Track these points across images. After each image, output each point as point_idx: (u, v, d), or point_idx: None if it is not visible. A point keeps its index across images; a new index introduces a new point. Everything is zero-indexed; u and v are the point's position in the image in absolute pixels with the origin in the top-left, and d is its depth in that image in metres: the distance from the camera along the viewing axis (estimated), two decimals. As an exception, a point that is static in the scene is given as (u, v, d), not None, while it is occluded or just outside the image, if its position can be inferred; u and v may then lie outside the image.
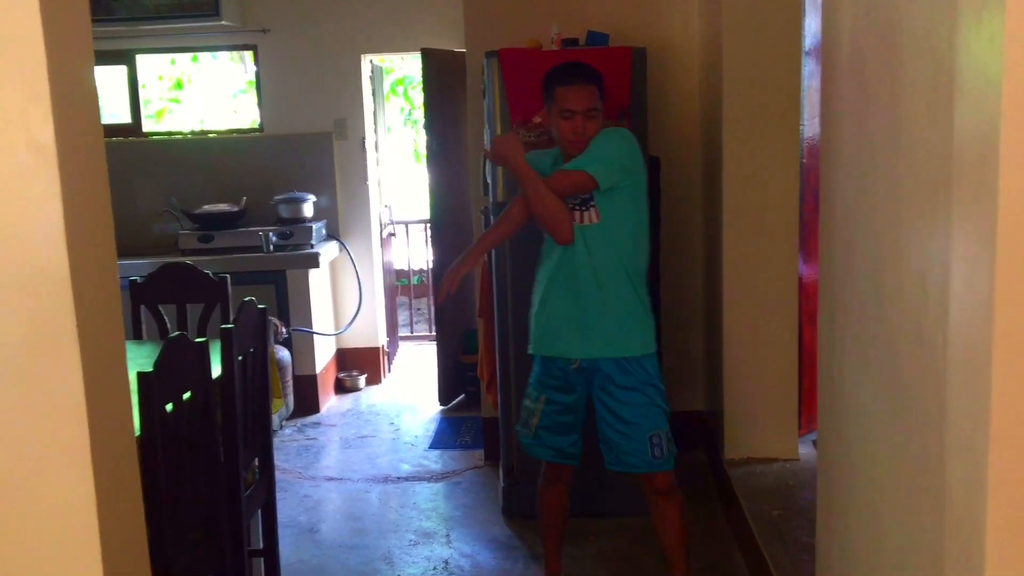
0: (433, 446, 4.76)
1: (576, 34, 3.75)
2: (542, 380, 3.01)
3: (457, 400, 5.38)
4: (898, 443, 1.60)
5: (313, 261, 5.17)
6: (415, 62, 5.39)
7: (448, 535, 3.74)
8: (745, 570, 3.30)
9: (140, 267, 4.56)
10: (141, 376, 2.25)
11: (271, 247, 5.18)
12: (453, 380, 5.34)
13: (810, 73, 3.69)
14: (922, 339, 1.44)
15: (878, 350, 1.70)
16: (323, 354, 5.48)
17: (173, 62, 7.61)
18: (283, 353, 5.02)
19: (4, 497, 1.46)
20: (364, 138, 5.65)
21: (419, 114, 9.38)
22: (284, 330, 5.05)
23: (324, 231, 5.53)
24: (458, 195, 5.05)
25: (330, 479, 4.37)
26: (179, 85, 7.89)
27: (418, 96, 9.02)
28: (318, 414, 5.30)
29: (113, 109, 5.81)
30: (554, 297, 2.94)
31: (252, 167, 5.61)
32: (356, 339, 5.82)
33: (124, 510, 1.61)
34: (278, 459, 4.20)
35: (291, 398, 5.16)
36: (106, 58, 5.53)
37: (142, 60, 5.77)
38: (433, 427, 5.05)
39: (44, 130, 1.37)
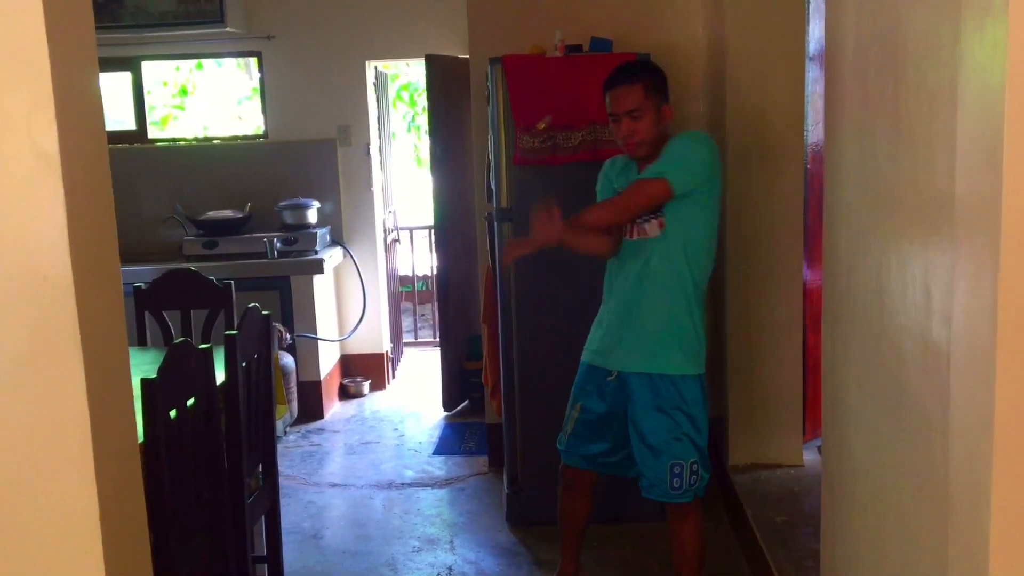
0: (437, 452, 4.76)
1: (580, 40, 3.75)
2: (581, 387, 2.96)
3: (461, 406, 5.37)
4: (902, 449, 1.59)
5: (317, 267, 5.17)
6: (419, 68, 5.39)
7: (452, 541, 3.74)
8: (750, 577, 3.30)
9: (144, 273, 4.56)
10: (145, 382, 2.25)
11: (275, 253, 5.19)
12: (457, 386, 5.34)
13: (814, 78, 3.69)
14: (926, 346, 1.44)
15: (882, 356, 1.70)
16: (327, 360, 5.48)
17: (178, 69, 7.63)
18: (287, 359, 5.02)
19: (7, 503, 1.47)
20: (368, 144, 5.66)
21: (422, 119, 9.40)
22: (288, 336, 5.05)
23: (328, 237, 5.53)
24: (462, 201, 5.06)
25: (334, 485, 4.37)
26: (184, 92, 7.91)
27: (421, 101, 9.03)
28: (322, 420, 5.30)
29: (118, 116, 5.83)
30: (607, 305, 2.92)
31: (256, 173, 5.62)
32: (360, 345, 5.83)
33: (127, 516, 1.61)
34: (282, 465, 4.20)
35: (295, 404, 5.17)
36: (111, 65, 5.55)
37: (147, 67, 5.78)
38: (437, 433, 5.05)
39: (48, 138, 1.37)
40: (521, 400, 3.71)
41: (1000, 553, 1.18)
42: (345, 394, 5.74)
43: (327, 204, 5.59)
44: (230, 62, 6.98)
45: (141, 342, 3.69)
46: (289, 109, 5.63)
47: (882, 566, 1.74)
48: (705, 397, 2.83)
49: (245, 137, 5.89)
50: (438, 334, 5.89)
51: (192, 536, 2.53)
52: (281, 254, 5.21)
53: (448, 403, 5.34)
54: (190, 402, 2.50)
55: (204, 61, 7.03)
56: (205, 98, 7.75)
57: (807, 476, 3.67)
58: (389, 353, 5.99)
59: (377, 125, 5.82)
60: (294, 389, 5.13)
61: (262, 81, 5.66)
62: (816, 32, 3.66)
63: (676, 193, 2.67)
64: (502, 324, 3.74)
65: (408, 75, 9.31)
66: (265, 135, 5.72)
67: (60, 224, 1.39)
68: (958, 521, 1.30)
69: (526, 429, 3.71)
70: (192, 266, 4.32)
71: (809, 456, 3.82)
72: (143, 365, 2.89)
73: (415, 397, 5.73)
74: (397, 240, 6.41)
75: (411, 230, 7.29)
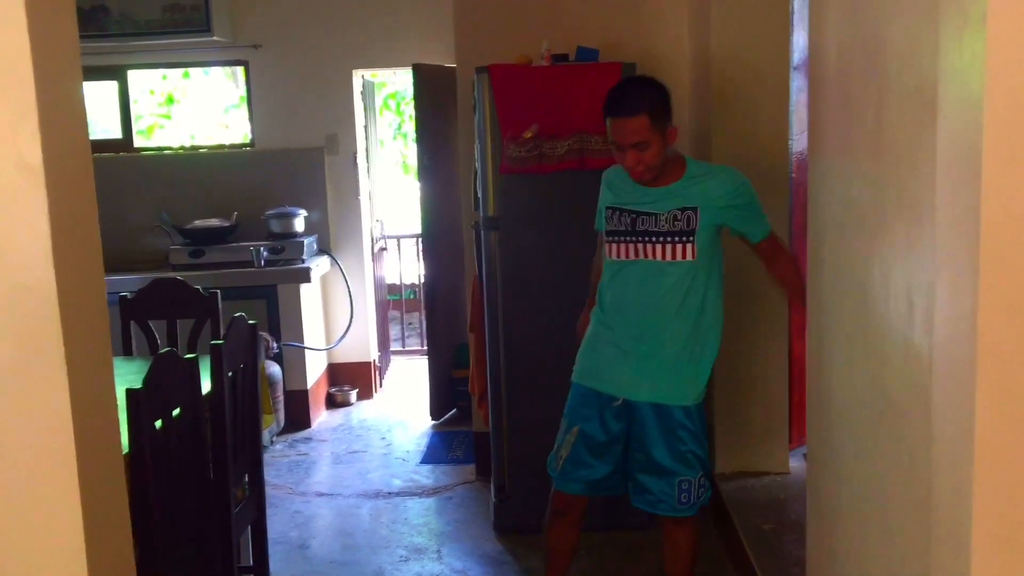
0: (424, 461, 4.75)
1: (566, 50, 3.77)
2: (578, 410, 2.83)
3: (449, 415, 5.37)
4: (885, 455, 1.60)
5: (304, 276, 5.17)
6: (406, 76, 5.40)
7: (439, 551, 3.73)
8: (737, 584, 3.30)
9: (130, 282, 4.55)
10: (130, 392, 2.24)
11: (262, 262, 5.18)
12: (445, 395, 5.33)
13: (799, 88, 3.71)
14: (908, 352, 1.45)
15: (865, 363, 1.71)
16: (314, 369, 5.47)
17: (164, 77, 7.59)
18: (274, 368, 5.00)
19: (-9, 515, 1.46)
20: (355, 153, 5.66)
21: (408, 127, 9.39)
22: (275, 345, 5.04)
23: (315, 246, 5.53)
24: (449, 210, 5.06)
25: (321, 495, 4.36)
26: (171, 100, 7.88)
27: (408, 110, 9.02)
28: (309, 429, 5.29)
29: (104, 124, 5.81)
30: (608, 327, 2.79)
31: (243, 182, 5.61)
32: (347, 354, 5.81)
33: (112, 527, 1.60)
34: (269, 475, 4.19)
35: (282, 413, 5.15)
36: (97, 73, 5.53)
37: (133, 76, 5.77)
38: (424, 442, 5.04)
39: (32, 149, 1.37)
40: (508, 409, 3.71)
41: (982, 558, 1.19)
42: (332, 403, 5.73)
43: (314, 213, 5.59)
44: (217, 70, 6.97)
45: (127, 352, 3.68)
46: (276, 118, 5.63)
47: (867, 571, 1.75)
48: (704, 418, 2.82)
49: (232, 146, 5.88)
50: (425, 343, 5.88)
51: (178, 546, 2.52)
52: (268, 263, 5.20)
53: (435, 412, 5.34)
54: (176, 412, 2.49)
55: (191, 70, 7.02)
56: (192, 107, 7.73)
57: (793, 483, 3.68)
58: (376, 362, 5.98)
59: (364, 134, 5.82)
60: (281, 398, 5.12)
61: (249, 90, 5.66)
62: (800, 42, 3.69)
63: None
64: (489, 332, 3.74)
65: (395, 83, 9.31)
66: (252, 144, 5.71)
67: (44, 234, 1.39)
68: (940, 527, 1.31)
69: (513, 438, 3.71)
70: (178, 275, 4.31)
71: (795, 464, 3.83)
72: (129, 375, 2.88)
73: (402, 406, 5.72)
74: (384, 248, 6.40)
75: (399, 238, 7.29)
